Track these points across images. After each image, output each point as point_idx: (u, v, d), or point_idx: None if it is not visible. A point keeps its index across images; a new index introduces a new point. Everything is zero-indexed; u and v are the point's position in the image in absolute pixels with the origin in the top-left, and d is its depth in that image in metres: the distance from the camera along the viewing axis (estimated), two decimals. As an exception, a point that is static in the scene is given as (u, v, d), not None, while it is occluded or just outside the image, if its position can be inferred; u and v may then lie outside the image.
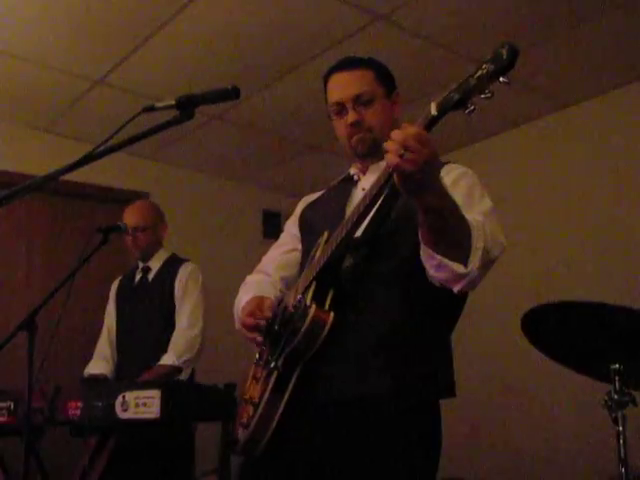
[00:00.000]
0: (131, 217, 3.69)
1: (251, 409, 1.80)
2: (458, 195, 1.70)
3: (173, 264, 3.76)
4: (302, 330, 1.69)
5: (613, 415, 2.26)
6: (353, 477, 1.71)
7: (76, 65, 3.75)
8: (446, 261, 1.58)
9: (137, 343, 3.61)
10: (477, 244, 1.59)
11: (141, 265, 3.79)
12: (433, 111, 1.46)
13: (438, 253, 1.59)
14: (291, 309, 1.83)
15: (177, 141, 4.66)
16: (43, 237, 4.61)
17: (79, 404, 2.90)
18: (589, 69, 3.76)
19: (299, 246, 2.11)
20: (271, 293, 2.03)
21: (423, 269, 1.67)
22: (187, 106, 1.53)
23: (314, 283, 1.80)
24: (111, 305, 3.89)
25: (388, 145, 1.43)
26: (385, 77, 2.00)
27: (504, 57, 1.37)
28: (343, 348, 1.75)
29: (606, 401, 2.28)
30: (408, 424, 1.75)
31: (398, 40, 3.46)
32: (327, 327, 1.70)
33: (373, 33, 3.39)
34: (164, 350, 3.47)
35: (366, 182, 1.96)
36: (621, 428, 2.25)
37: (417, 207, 1.53)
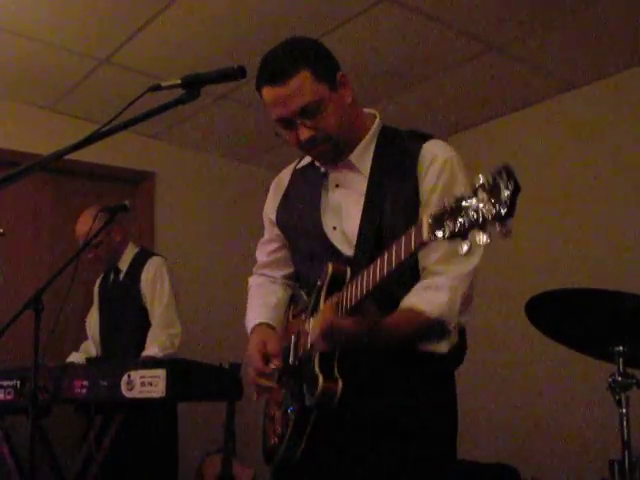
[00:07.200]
0: (80, 233, 3.55)
1: (278, 435, 1.85)
2: (434, 198, 1.68)
3: (140, 262, 3.73)
4: (314, 401, 1.66)
5: (617, 397, 2.27)
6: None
7: (82, 44, 3.73)
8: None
9: (116, 343, 3.63)
10: (449, 327, 1.71)
11: (112, 267, 3.79)
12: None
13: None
14: (301, 355, 1.80)
15: (183, 121, 4.64)
16: (49, 217, 4.61)
17: (85, 383, 2.92)
18: (598, 51, 3.72)
19: (286, 241, 2.04)
20: (274, 296, 2.05)
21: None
22: (193, 85, 1.52)
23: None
24: (94, 304, 3.92)
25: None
26: (323, 68, 1.75)
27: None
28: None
29: (610, 383, 2.28)
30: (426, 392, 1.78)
31: (403, 20, 3.42)
32: (337, 396, 1.65)
33: (378, 13, 3.36)
34: (142, 348, 3.47)
35: (339, 178, 1.88)
36: (624, 410, 2.26)
37: None
